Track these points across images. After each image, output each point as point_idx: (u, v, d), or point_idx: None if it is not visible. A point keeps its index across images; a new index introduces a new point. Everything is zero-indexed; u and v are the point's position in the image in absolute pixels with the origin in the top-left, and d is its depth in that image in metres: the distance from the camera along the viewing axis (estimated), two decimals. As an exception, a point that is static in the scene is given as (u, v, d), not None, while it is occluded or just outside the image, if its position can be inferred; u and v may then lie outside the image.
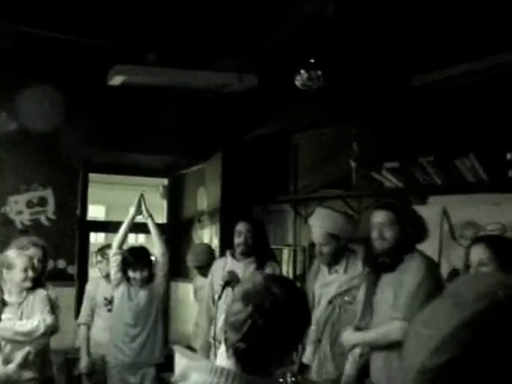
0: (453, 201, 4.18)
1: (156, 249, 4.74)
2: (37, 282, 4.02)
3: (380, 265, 3.39)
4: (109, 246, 4.96)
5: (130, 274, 4.53)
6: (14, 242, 4.24)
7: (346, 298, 3.83)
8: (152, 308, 4.60)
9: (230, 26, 4.16)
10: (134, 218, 4.79)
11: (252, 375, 1.47)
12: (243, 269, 4.22)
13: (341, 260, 3.92)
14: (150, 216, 4.82)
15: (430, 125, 4.40)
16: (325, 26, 3.90)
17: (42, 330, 3.87)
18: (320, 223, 3.97)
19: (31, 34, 4.07)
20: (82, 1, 3.99)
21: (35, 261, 4.03)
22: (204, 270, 4.93)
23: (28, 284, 3.94)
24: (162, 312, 4.87)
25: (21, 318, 3.87)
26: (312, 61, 4.10)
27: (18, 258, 3.91)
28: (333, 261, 3.94)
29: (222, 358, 1.53)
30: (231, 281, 4.00)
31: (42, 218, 5.58)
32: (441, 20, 3.66)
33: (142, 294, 4.58)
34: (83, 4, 3.98)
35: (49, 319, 3.93)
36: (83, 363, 4.93)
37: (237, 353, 1.49)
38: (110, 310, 4.90)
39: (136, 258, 4.53)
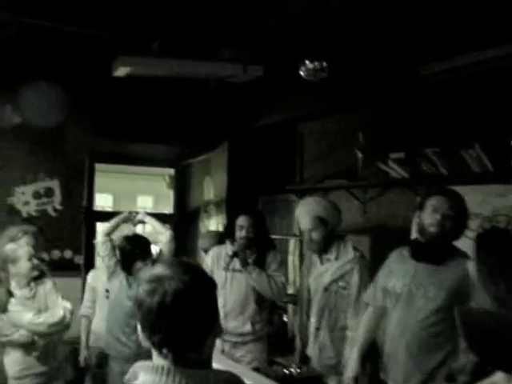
0: (458, 191, 4.14)
1: (162, 236, 4.59)
2: (41, 271, 3.98)
3: (427, 254, 3.07)
4: None
5: (135, 265, 4.17)
6: (5, 233, 4.10)
7: (340, 284, 3.85)
8: None
9: (235, 15, 4.13)
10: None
11: (182, 368, 1.47)
12: None
13: (331, 248, 3.94)
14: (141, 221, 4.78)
15: (435, 115, 4.37)
16: (330, 15, 3.87)
17: (68, 317, 3.88)
18: (308, 208, 4.00)
19: (33, 26, 4.06)
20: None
21: (31, 248, 3.94)
22: None
23: (36, 272, 3.90)
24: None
25: (39, 311, 3.83)
26: (317, 51, 4.08)
27: (21, 248, 3.88)
28: (323, 249, 3.95)
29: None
30: (237, 252, 4.10)
31: (49, 209, 5.60)
32: (448, 9, 3.62)
33: None
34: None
35: (69, 306, 3.93)
36: (82, 357, 4.80)
37: (154, 346, 1.54)
38: None
39: (140, 250, 4.17)
